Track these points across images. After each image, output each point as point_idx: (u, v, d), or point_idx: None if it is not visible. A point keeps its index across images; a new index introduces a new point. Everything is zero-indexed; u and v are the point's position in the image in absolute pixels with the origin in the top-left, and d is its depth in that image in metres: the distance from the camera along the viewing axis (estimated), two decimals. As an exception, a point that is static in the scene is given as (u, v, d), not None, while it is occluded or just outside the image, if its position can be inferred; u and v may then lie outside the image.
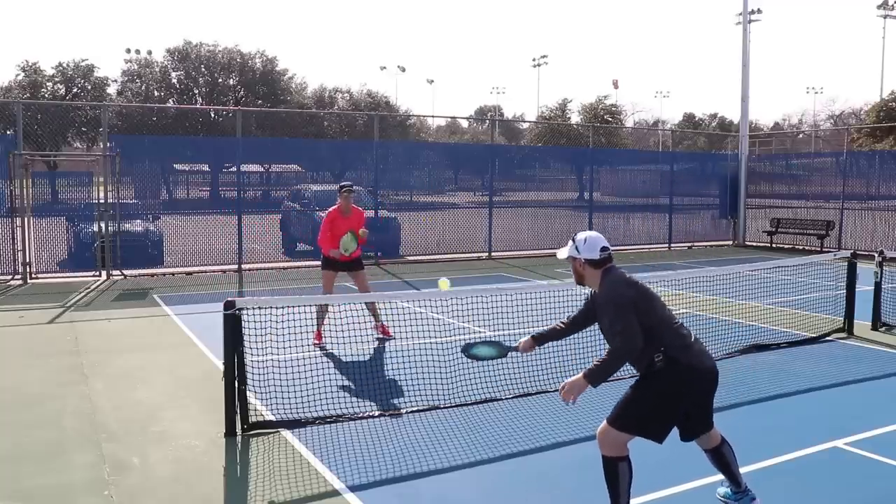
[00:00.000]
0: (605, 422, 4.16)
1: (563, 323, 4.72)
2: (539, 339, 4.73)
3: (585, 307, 4.56)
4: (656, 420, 4.10)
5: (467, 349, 4.79)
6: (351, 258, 8.98)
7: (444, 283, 7.78)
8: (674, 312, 4.30)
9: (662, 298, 4.31)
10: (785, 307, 10.76)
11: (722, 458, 4.43)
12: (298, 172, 27.05)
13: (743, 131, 23.06)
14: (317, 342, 8.57)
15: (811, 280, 13.22)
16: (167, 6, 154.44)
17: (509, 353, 4.82)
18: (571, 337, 8.06)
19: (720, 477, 4.88)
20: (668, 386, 4.08)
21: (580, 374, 4.08)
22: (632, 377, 4.35)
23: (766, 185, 23.69)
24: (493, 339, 4.96)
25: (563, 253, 4.36)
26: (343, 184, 9.24)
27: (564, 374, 7.37)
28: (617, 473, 4.10)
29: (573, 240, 4.29)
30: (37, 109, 30.20)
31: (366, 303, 9.01)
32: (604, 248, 4.20)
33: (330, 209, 9.07)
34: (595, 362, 4.07)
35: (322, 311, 8.67)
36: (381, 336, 8.97)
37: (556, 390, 6.98)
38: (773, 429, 6.08)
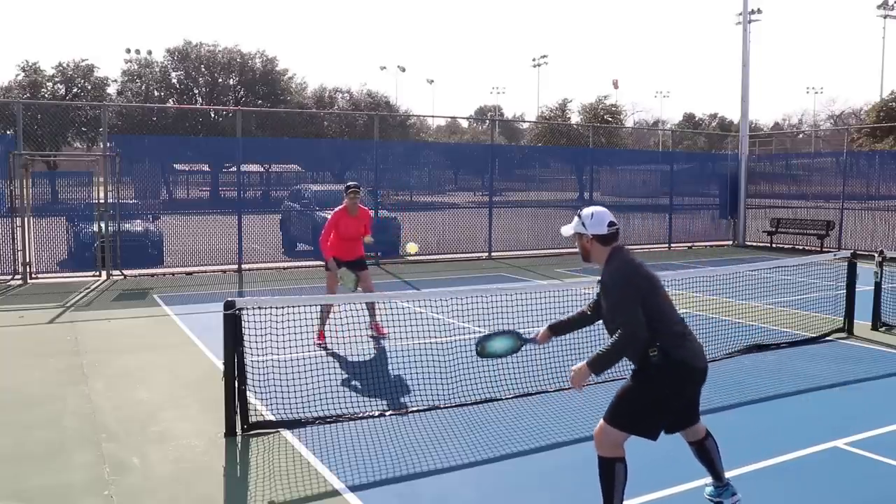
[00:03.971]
0: (601, 420, 4.13)
1: (586, 309, 4.56)
2: (556, 329, 4.62)
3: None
4: (649, 417, 4.07)
5: (483, 347, 4.57)
6: (355, 258, 9.10)
7: (412, 247, 8.06)
8: (675, 306, 4.23)
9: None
10: (785, 307, 10.76)
11: (705, 451, 4.42)
12: (298, 172, 27.02)
13: (743, 131, 23.05)
14: (319, 342, 8.58)
15: (811, 280, 13.23)
16: (167, 6, 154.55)
17: (525, 346, 4.68)
18: (573, 335, 8.08)
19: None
20: (660, 383, 4.03)
21: (584, 362, 4.05)
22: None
23: (766, 185, 23.68)
24: (506, 330, 4.69)
25: (568, 230, 4.30)
26: (349, 184, 9.22)
27: (564, 374, 7.38)
28: (613, 474, 4.05)
29: (579, 215, 4.22)
30: (37, 109, 30.19)
31: (366, 302, 9.08)
32: (611, 224, 4.15)
33: (336, 209, 9.09)
34: (599, 351, 4.04)
35: (326, 310, 8.70)
36: (374, 334, 9.04)
37: (557, 390, 7.02)
38: (773, 429, 6.08)
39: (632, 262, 4.14)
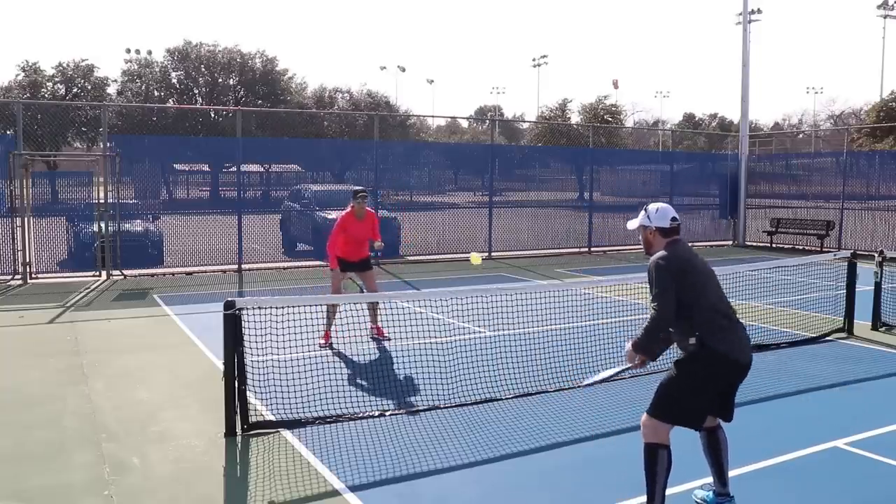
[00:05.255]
0: (646, 412, 4.29)
1: None
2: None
3: None
4: (689, 406, 4.21)
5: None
6: (360, 259, 9.11)
7: (475, 257, 8.14)
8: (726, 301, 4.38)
9: None
10: (785, 307, 10.76)
11: (716, 442, 4.47)
12: (298, 172, 27.02)
13: (743, 131, 23.06)
14: (323, 342, 8.57)
15: (811, 280, 13.23)
16: (167, 6, 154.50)
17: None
18: (572, 338, 8.09)
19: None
20: (699, 373, 4.19)
21: (630, 343, 4.35)
22: (649, 373, 4.38)
23: (766, 185, 23.68)
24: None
25: (633, 223, 4.56)
26: (356, 189, 9.27)
27: (564, 374, 7.39)
28: (656, 460, 4.18)
29: (645, 210, 4.49)
30: (37, 109, 30.19)
31: (368, 302, 9.09)
32: (674, 219, 4.41)
33: (343, 213, 9.09)
34: (639, 332, 4.28)
35: (332, 311, 8.70)
36: (375, 336, 9.03)
37: (557, 390, 7.02)
38: (773, 429, 6.08)
39: (675, 252, 4.30)
